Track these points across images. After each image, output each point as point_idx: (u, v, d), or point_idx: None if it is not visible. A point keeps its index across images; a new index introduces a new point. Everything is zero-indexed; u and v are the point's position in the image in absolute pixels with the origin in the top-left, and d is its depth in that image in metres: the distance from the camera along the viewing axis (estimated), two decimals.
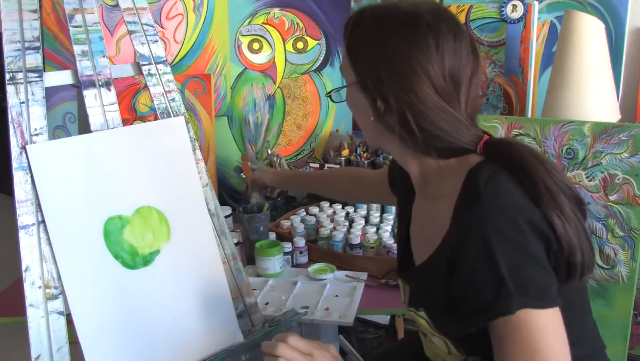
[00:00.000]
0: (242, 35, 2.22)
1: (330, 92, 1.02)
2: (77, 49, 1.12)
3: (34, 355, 0.97)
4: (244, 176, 2.03)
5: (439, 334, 0.94)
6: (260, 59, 2.24)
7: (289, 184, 1.57)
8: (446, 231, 0.85)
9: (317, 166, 2.13)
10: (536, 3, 1.88)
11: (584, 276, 0.83)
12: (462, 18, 1.96)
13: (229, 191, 2.26)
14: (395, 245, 1.55)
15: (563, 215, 0.80)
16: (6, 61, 1.03)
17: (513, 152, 0.84)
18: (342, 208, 1.81)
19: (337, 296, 1.40)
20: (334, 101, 1.01)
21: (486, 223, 0.79)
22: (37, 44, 1.07)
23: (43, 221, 1.00)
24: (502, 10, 1.93)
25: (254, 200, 1.59)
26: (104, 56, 1.14)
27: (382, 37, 0.86)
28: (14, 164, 1.00)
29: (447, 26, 0.86)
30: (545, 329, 0.78)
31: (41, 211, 1.00)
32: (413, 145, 0.89)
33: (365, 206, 1.81)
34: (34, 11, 1.08)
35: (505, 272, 0.77)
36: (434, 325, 0.93)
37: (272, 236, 1.63)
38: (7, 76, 1.03)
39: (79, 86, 1.11)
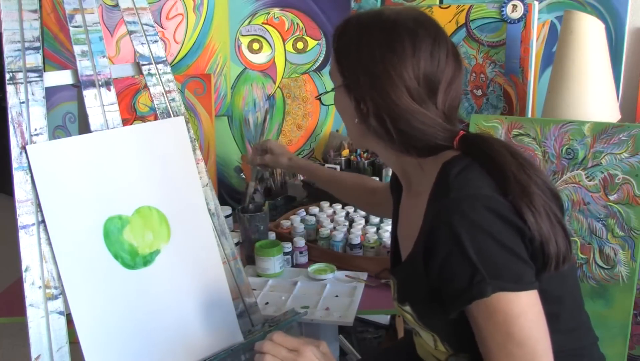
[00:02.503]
0: (242, 35, 2.22)
1: (320, 95, 1.06)
2: (77, 49, 1.12)
3: (34, 355, 0.97)
4: (244, 176, 2.03)
5: (423, 327, 0.96)
6: (260, 59, 2.24)
7: (300, 173, 1.54)
8: (421, 223, 0.88)
9: None
10: (536, 3, 1.88)
11: (559, 267, 0.84)
12: (462, 18, 1.96)
13: (229, 191, 2.26)
14: None
15: (533, 206, 0.81)
16: (6, 60, 1.03)
17: (485, 145, 0.88)
18: (342, 207, 1.81)
19: (337, 296, 1.40)
20: (323, 104, 1.04)
21: (453, 210, 0.81)
22: (37, 44, 1.07)
23: (43, 221, 1.00)
24: (502, 10, 1.93)
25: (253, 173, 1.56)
26: (104, 56, 1.14)
27: (362, 43, 0.91)
28: (14, 164, 1.00)
29: (426, 31, 0.89)
30: (521, 313, 0.80)
31: (41, 211, 1.00)
32: (392, 145, 0.92)
33: None
34: (34, 11, 1.08)
35: (475, 257, 0.79)
36: (418, 318, 0.95)
37: (272, 236, 1.63)
38: (7, 76, 1.03)
39: (79, 86, 1.11)
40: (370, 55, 0.89)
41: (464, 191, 0.83)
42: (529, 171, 0.84)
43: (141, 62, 1.21)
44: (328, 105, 0.92)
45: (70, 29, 1.12)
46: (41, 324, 0.98)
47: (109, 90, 1.13)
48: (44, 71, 1.07)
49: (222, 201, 1.88)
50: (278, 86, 2.26)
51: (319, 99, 1.06)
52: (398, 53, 0.88)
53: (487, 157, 0.86)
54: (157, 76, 1.22)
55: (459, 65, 0.92)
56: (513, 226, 0.81)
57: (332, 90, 1.00)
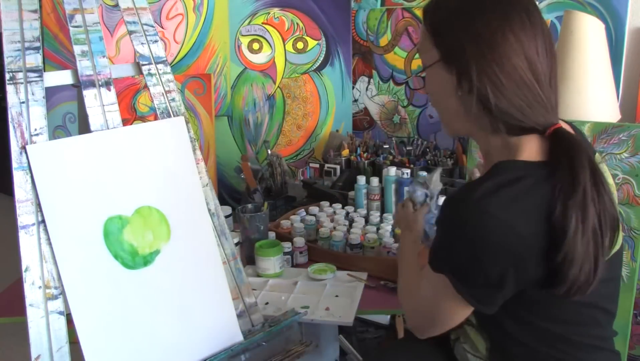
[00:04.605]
0: (242, 35, 2.22)
1: (407, 78, 1.04)
2: (77, 49, 1.12)
3: (34, 355, 0.97)
4: (243, 176, 2.03)
5: None
6: (260, 59, 2.24)
7: None
8: None
9: (317, 166, 2.13)
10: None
11: (569, 294, 0.83)
12: None
13: (229, 191, 2.26)
14: (395, 245, 1.55)
15: (583, 224, 0.80)
16: (6, 60, 1.03)
17: (574, 148, 0.85)
18: (342, 207, 1.81)
19: (337, 296, 1.40)
20: (411, 88, 1.02)
21: (462, 220, 0.84)
22: (37, 44, 1.07)
23: (43, 221, 1.00)
24: None
25: None
26: (104, 56, 1.14)
27: (471, 11, 0.87)
28: (14, 164, 1.00)
29: (531, 3, 0.88)
30: (449, 300, 0.89)
31: (41, 211, 1.00)
32: (486, 123, 0.89)
33: (365, 205, 1.81)
34: (34, 11, 1.08)
35: (452, 257, 0.87)
36: None
37: (272, 236, 1.63)
38: (7, 76, 1.03)
39: (79, 86, 1.11)
40: (485, 23, 0.85)
41: (480, 205, 0.82)
42: (602, 196, 0.82)
43: (141, 62, 1.21)
44: (415, 89, 0.89)
45: (70, 29, 1.12)
46: (41, 324, 0.98)
47: (109, 90, 1.13)
48: (44, 71, 1.07)
49: (222, 201, 1.88)
50: (278, 86, 2.26)
51: (407, 83, 1.04)
52: (517, 22, 0.84)
53: (568, 162, 0.83)
54: (157, 76, 1.22)
55: (553, 42, 0.89)
56: (509, 256, 0.82)
57: (425, 69, 0.95)
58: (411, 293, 1.03)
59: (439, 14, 0.91)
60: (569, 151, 0.85)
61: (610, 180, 0.95)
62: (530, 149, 0.88)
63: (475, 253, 0.83)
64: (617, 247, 0.92)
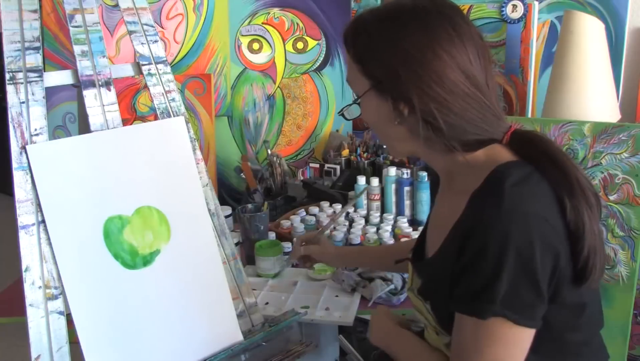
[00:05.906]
0: (242, 35, 2.22)
1: (342, 110, 0.98)
2: (77, 49, 1.12)
3: (34, 355, 0.97)
4: (244, 176, 2.03)
5: (440, 329, 0.93)
6: (260, 59, 2.24)
7: (344, 263, 1.40)
8: (458, 218, 0.84)
9: (317, 166, 2.13)
10: (536, 3, 1.88)
11: (596, 280, 0.82)
12: None
13: (229, 191, 2.26)
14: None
15: (591, 211, 0.80)
16: (6, 61, 1.03)
17: (544, 144, 0.83)
18: (342, 208, 1.81)
19: (337, 296, 1.40)
20: (347, 119, 0.97)
21: (501, 226, 0.77)
22: (37, 44, 1.07)
23: (43, 221, 1.00)
24: (502, 10, 1.93)
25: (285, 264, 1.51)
26: (104, 56, 1.14)
27: (394, 33, 0.83)
28: (14, 164, 1.00)
29: (454, 12, 0.84)
30: (507, 342, 0.79)
31: (41, 211, 1.00)
32: (438, 143, 0.85)
33: (365, 205, 1.81)
34: (34, 11, 1.08)
35: (503, 283, 0.76)
36: (436, 319, 0.92)
37: (272, 236, 1.63)
38: (7, 76, 1.03)
39: (79, 86, 1.11)
40: (411, 43, 0.81)
41: (517, 207, 0.77)
42: (582, 174, 0.82)
43: (141, 62, 1.21)
44: (351, 119, 0.86)
45: (70, 29, 1.12)
46: (41, 324, 0.98)
47: (109, 90, 1.13)
48: (44, 71, 1.07)
49: (222, 201, 1.88)
50: (278, 86, 2.26)
51: (343, 115, 0.97)
52: (444, 36, 0.81)
53: (548, 158, 0.82)
54: (157, 76, 1.22)
55: (485, 44, 0.87)
56: (552, 253, 0.78)
57: (357, 100, 0.91)
58: None
59: (361, 39, 0.86)
60: (545, 149, 0.83)
61: None
62: (502, 156, 0.85)
63: (527, 264, 0.77)
64: None
